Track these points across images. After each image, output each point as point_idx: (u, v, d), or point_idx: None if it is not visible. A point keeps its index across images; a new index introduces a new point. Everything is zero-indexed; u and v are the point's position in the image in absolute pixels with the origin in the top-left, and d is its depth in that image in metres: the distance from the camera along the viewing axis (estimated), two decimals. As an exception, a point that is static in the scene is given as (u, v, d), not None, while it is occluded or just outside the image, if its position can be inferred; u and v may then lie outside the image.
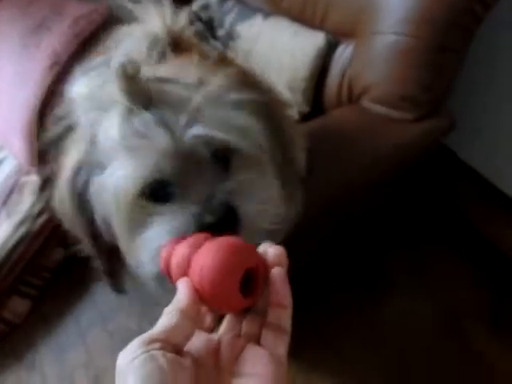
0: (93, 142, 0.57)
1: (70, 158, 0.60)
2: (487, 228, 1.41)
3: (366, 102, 1.02)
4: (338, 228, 1.18)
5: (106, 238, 0.61)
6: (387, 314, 1.29)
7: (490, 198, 1.44)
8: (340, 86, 1.09)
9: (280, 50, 1.15)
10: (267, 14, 1.22)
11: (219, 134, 0.53)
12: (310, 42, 1.10)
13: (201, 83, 0.56)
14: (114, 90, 0.53)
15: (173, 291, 0.44)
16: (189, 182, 0.53)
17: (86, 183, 0.58)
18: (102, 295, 1.43)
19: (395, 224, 1.46)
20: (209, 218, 0.51)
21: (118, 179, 0.53)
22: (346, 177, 0.89)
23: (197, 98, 0.53)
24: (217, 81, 0.56)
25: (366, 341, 1.25)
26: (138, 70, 0.52)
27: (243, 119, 0.56)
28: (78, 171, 0.59)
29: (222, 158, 0.56)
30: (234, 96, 0.56)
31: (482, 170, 1.45)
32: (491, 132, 1.35)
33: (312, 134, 0.96)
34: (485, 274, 1.34)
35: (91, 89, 0.62)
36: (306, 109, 1.16)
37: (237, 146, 0.55)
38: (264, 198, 0.56)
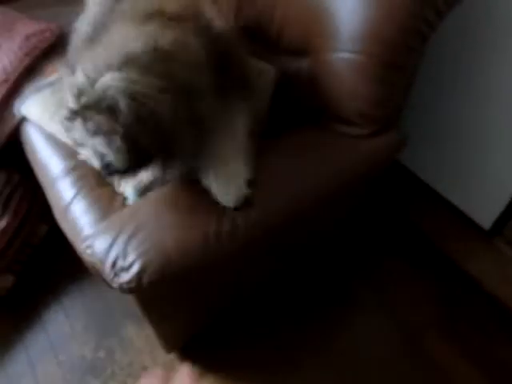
0: None
1: None
2: (442, 242, 1.45)
3: (324, 120, 1.04)
4: (296, 245, 1.18)
5: None
6: (348, 330, 1.30)
7: (444, 212, 1.48)
8: (298, 103, 1.09)
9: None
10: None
11: None
12: (260, 72, 1.09)
13: None
14: None
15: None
16: None
17: None
18: (53, 322, 1.35)
19: (356, 240, 1.47)
20: None
21: None
22: (297, 196, 0.89)
23: None
24: None
25: (326, 356, 1.24)
26: None
27: None
28: None
29: None
30: None
31: (437, 186, 1.50)
32: (442, 147, 1.40)
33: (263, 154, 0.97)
34: (441, 288, 1.37)
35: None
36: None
37: None
38: None
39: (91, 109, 0.67)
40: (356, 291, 1.37)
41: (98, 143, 0.70)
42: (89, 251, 0.94)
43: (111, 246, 0.83)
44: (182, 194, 0.91)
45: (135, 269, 0.79)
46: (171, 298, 0.95)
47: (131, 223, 0.86)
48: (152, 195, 0.94)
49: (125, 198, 1.00)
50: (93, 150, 0.73)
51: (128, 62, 0.68)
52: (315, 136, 1.01)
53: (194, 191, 0.90)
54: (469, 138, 1.32)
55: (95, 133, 0.69)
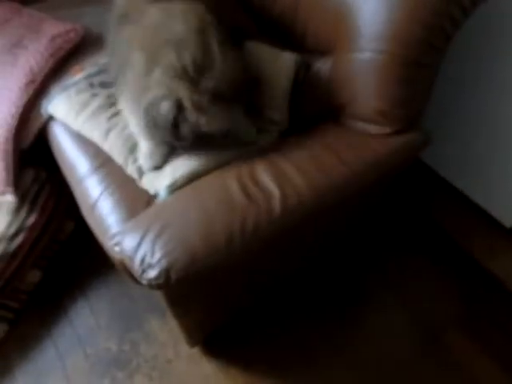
0: None
1: None
2: (464, 240, 1.44)
3: (344, 118, 1.04)
4: (316, 242, 1.19)
5: None
6: (366, 328, 1.30)
7: (466, 210, 1.47)
8: (319, 101, 1.10)
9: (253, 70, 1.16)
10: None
11: None
12: (281, 61, 1.11)
13: None
14: None
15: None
16: None
17: None
18: (79, 317, 1.39)
19: (373, 238, 1.47)
20: None
21: None
22: (320, 193, 0.90)
23: None
24: None
25: (345, 354, 1.25)
26: None
27: None
28: None
29: None
30: None
31: (458, 183, 1.49)
32: (464, 145, 1.39)
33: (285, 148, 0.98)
34: (462, 286, 1.36)
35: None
36: (283, 126, 1.16)
37: None
38: None
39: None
40: (375, 289, 1.37)
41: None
42: (117, 248, 0.96)
43: (139, 244, 0.86)
44: (206, 192, 0.93)
45: (162, 266, 0.81)
46: (197, 294, 0.98)
47: (158, 222, 0.88)
48: (177, 193, 0.97)
49: (154, 196, 1.03)
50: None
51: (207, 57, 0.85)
52: (337, 134, 1.01)
53: (217, 189, 0.92)
54: (491, 135, 1.31)
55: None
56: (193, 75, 0.85)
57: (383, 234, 1.48)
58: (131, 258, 0.86)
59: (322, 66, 1.10)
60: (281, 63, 1.11)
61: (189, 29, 0.90)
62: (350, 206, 1.08)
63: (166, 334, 1.32)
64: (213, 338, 1.27)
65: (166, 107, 0.86)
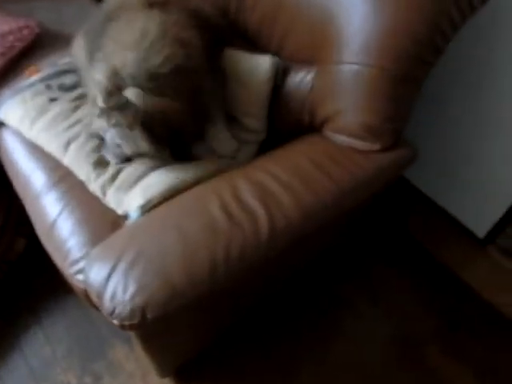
0: None
1: None
2: (439, 251, 1.44)
3: (328, 132, 0.99)
4: (301, 259, 1.13)
5: None
6: (343, 340, 1.26)
7: (440, 221, 1.47)
8: (300, 113, 1.04)
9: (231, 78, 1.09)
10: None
11: None
12: (257, 65, 1.06)
13: None
14: None
15: None
16: None
17: None
18: (32, 346, 1.25)
19: (350, 249, 1.44)
20: None
21: None
22: (308, 214, 0.83)
23: None
24: None
25: (321, 365, 1.21)
26: None
27: None
28: None
29: None
30: None
31: (434, 196, 1.48)
32: (437, 157, 1.38)
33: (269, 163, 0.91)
34: (438, 297, 1.35)
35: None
36: (260, 136, 1.10)
37: None
38: None
39: (116, 109, 0.83)
40: (351, 301, 1.34)
41: (116, 134, 0.89)
42: (80, 276, 0.86)
43: (109, 275, 0.76)
44: (184, 213, 0.84)
45: (137, 303, 0.71)
46: (173, 328, 0.88)
47: (130, 248, 0.78)
48: (151, 214, 0.87)
49: (123, 216, 0.93)
50: (109, 139, 0.93)
51: (149, 80, 0.84)
52: (324, 149, 0.95)
53: (196, 209, 0.83)
54: (465, 147, 1.31)
55: (115, 126, 0.86)
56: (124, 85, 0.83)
57: (360, 246, 1.45)
58: (100, 293, 0.75)
59: (304, 75, 1.04)
60: (257, 66, 1.06)
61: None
62: (338, 223, 1.03)
63: (132, 363, 1.21)
64: (186, 364, 1.18)
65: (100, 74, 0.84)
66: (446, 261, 1.41)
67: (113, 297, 0.73)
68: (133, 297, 0.72)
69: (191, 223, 0.79)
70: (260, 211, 0.81)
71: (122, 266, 0.76)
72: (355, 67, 0.91)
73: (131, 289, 0.73)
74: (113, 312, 0.72)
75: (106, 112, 0.84)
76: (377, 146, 0.92)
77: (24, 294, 1.35)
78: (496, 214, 1.34)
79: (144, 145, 0.90)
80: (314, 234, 0.86)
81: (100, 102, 0.83)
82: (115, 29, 0.95)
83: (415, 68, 0.89)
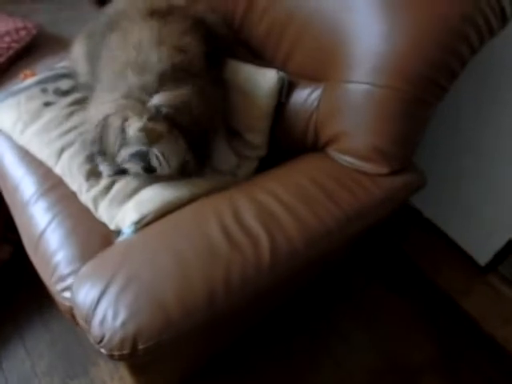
0: None
1: None
2: (438, 277, 1.40)
3: (334, 152, 0.95)
4: (298, 283, 1.09)
5: None
6: (334, 367, 1.21)
7: (441, 246, 1.43)
8: (304, 131, 1.00)
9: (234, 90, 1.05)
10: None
11: None
12: (263, 79, 1.02)
13: None
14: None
15: None
16: None
17: None
18: (12, 361, 1.19)
19: (345, 272, 1.40)
20: None
21: None
22: (312, 239, 0.79)
23: None
24: None
25: None
26: None
27: None
28: None
29: None
30: None
31: (434, 218, 1.45)
32: (441, 180, 1.35)
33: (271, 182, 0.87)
34: (436, 325, 1.31)
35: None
36: (261, 152, 1.05)
37: None
38: None
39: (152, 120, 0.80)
40: (345, 326, 1.29)
41: (161, 149, 0.83)
42: (66, 294, 0.81)
43: (100, 299, 0.70)
44: (181, 234, 0.79)
45: (128, 332, 0.66)
46: (167, 359, 0.83)
47: (123, 270, 0.73)
48: (146, 232, 0.82)
49: (114, 232, 0.88)
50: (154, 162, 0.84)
51: (163, 83, 0.82)
52: (329, 170, 0.91)
53: (194, 230, 0.79)
54: (470, 172, 1.28)
55: (158, 139, 0.82)
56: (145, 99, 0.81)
57: (355, 268, 1.41)
58: (88, 317, 0.70)
59: (310, 92, 1.00)
60: (263, 80, 1.01)
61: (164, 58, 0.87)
62: (340, 249, 0.98)
63: (116, 382, 1.15)
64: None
65: (113, 121, 0.82)
66: (446, 287, 1.37)
67: (102, 322, 0.68)
68: (124, 324, 0.67)
69: (188, 245, 0.75)
70: (261, 234, 0.77)
71: (113, 290, 0.71)
72: (366, 87, 0.87)
73: (122, 315, 0.67)
74: (101, 340, 0.67)
75: (143, 130, 0.80)
76: (385, 170, 0.88)
77: (6, 304, 1.28)
78: (499, 241, 1.31)
79: (187, 151, 0.86)
80: (319, 260, 0.82)
81: (137, 122, 0.79)
82: (113, 41, 0.94)
83: (429, 91, 0.85)
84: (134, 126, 0.79)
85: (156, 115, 0.80)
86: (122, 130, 0.81)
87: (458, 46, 0.82)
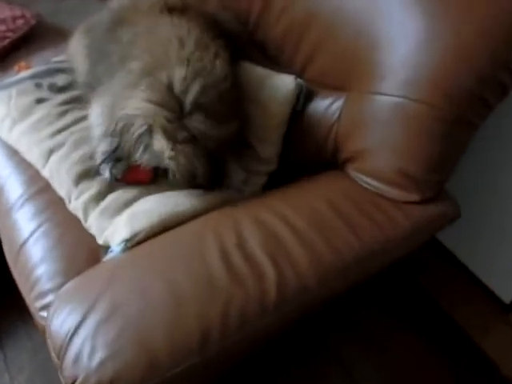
0: None
1: None
2: (457, 313, 1.28)
3: (355, 172, 0.84)
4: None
5: None
6: None
7: (461, 279, 1.32)
8: (322, 145, 0.90)
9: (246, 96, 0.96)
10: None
11: None
12: (279, 85, 0.92)
13: None
14: None
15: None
16: None
17: None
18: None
19: (355, 304, 1.28)
20: None
21: None
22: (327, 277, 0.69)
23: None
24: None
25: None
26: None
27: None
28: None
29: None
30: None
31: (454, 248, 1.33)
32: (466, 211, 1.24)
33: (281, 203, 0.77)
34: (453, 364, 1.19)
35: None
36: (271, 167, 0.94)
37: None
38: None
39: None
40: (354, 363, 1.17)
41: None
42: (44, 314, 0.72)
43: (76, 329, 0.60)
44: (176, 258, 0.69)
45: (106, 374, 0.56)
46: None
47: (107, 296, 0.63)
48: (136, 253, 0.72)
49: (103, 247, 0.78)
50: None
51: (196, 108, 0.73)
52: (349, 193, 0.81)
53: (191, 255, 0.69)
54: (499, 212, 1.16)
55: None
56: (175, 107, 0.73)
57: (366, 300, 1.29)
58: (61, 350, 0.60)
59: (331, 103, 0.89)
60: (278, 85, 0.92)
61: (192, 50, 0.80)
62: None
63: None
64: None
65: (136, 126, 0.75)
66: (463, 323, 1.25)
67: (76, 360, 0.58)
68: (101, 364, 0.57)
69: (183, 274, 0.65)
70: (267, 266, 0.67)
71: (93, 319, 0.61)
72: (397, 100, 0.77)
73: (100, 353, 0.57)
74: (73, 382, 0.57)
75: (173, 158, 0.73)
76: (415, 197, 0.77)
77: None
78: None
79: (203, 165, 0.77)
80: (330, 298, 0.72)
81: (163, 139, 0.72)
82: (132, 35, 0.87)
83: (474, 110, 0.74)
84: (162, 146, 0.72)
85: (187, 137, 0.72)
86: (147, 136, 0.74)
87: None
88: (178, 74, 0.74)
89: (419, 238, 0.79)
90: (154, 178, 0.83)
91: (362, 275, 0.74)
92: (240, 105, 0.86)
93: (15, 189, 0.91)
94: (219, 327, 0.60)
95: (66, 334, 0.61)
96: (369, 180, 0.81)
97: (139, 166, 0.79)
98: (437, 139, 0.75)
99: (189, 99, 0.72)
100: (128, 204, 0.81)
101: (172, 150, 0.72)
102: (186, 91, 0.72)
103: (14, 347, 1.15)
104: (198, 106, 0.72)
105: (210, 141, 0.74)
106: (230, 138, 0.79)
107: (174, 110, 0.72)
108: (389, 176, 0.79)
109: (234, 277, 0.64)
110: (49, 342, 0.64)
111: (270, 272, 0.66)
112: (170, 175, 0.77)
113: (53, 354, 0.62)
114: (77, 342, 0.59)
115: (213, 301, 0.62)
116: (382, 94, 0.79)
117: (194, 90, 0.73)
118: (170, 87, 0.73)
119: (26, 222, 0.86)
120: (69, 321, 0.62)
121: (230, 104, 0.79)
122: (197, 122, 0.72)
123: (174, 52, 0.78)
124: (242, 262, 0.66)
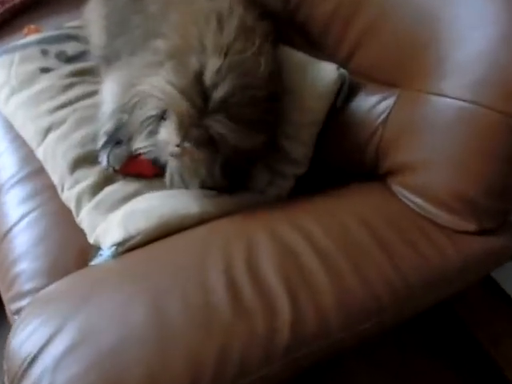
0: None
1: None
2: (496, 348, 1.13)
3: (399, 187, 0.70)
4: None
5: None
6: None
7: (503, 311, 1.17)
8: (363, 149, 0.76)
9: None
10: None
11: None
12: (317, 74, 0.78)
13: None
14: None
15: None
16: None
17: None
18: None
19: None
20: None
21: None
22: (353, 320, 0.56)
23: None
24: None
25: None
26: None
27: None
28: None
29: None
30: None
31: (495, 274, 1.18)
32: None
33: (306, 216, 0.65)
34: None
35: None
36: (300, 169, 0.81)
37: None
38: None
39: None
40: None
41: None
42: (15, 317, 0.63)
43: (39, 353, 0.49)
44: (174, 276, 0.57)
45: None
46: None
47: (81, 314, 0.52)
48: (127, 261, 0.61)
49: (94, 247, 0.67)
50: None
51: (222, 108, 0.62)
52: (390, 214, 0.67)
53: (191, 275, 0.57)
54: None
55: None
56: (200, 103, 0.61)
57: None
58: (16, 378, 0.49)
59: (379, 100, 0.75)
60: (318, 75, 0.78)
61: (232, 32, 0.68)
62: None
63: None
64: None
65: (149, 107, 0.66)
66: (504, 363, 1.10)
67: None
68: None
69: (177, 300, 0.52)
70: (282, 297, 0.54)
71: (58, 345, 0.49)
72: (462, 105, 0.62)
73: (59, 388, 0.46)
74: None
75: (180, 155, 0.63)
76: (470, 227, 0.63)
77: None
78: None
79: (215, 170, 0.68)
80: (354, 344, 0.58)
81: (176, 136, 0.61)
82: (162, 5, 0.78)
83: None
84: (168, 137, 0.62)
85: (202, 137, 0.62)
86: (156, 122, 0.66)
87: None
88: (212, 65, 0.63)
89: (470, 276, 0.65)
90: (159, 173, 0.71)
91: (399, 317, 0.60)
92: (276, 118, 0.74)
93: (8, 166, 0.82)
94: (212, 375, 0.48)
95: (25, 359, 0.49)
96: (415, 199, 0.66)
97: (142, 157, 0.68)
98: (508, 158, 0.60)
99: (217, 96, 0.61)
100: (126, 199, 0.70)
101: (178, 146, 0.60)
102: (215, 85, 0.62)
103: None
104: (225, 106, 0.62)
105: (228, 149, 0.63)
106: (254, 152, 0.67)
107: (196, 103, 0.60)
108: (441, 197, 0.64)
109: (239, 309, 0.52)
110: (4, 364, 0.53)
111: (284, 305, 0.53)
112: (167, 174, 0.67)
113: (5, 378, 0.51)
114: (35, 372, 0.48)
115: (209, 340, 0.49)
116: (443, 95, 0.65)
117: (227, 86, 0.62)
118: (198, 76, 0.62)
119: (14, 206, 0.78)
120: (32, 341, 0.51)
121: (263, 113, 0.67)
122: (219, 124, 0.61)
123: (210, 37, 0.67)
124: (251, 290, 0.54)
